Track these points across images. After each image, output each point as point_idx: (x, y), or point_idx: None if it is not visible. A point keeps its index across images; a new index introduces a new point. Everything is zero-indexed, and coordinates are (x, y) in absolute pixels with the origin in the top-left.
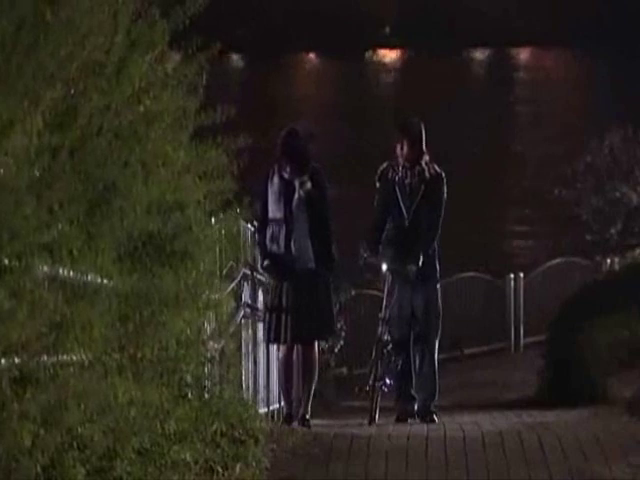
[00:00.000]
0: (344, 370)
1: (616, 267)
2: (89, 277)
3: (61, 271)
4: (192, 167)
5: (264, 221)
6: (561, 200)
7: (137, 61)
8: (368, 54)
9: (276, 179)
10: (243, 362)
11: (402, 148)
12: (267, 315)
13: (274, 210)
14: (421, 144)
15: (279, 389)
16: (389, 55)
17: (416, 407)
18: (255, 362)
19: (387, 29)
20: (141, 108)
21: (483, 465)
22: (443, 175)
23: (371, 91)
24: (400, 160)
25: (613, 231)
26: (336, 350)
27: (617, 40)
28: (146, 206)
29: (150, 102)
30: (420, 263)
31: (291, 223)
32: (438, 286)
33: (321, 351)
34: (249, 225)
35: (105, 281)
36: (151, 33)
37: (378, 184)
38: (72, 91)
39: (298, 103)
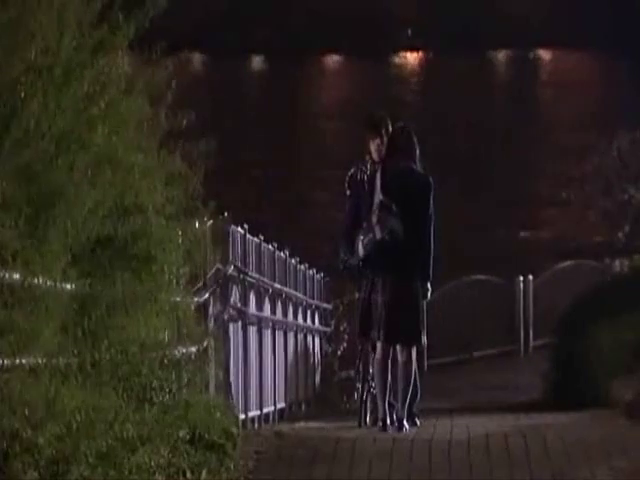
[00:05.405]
0: (352, 372)
1: (625, 269)
2: (37, 280)
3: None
4: (154, 171)
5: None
6: (571, 202)
7: (88, 64)
8: (390, 56)
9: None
10: (231, 364)
11: (381, 143)
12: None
13: None
14: None
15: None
16: (411, 57)
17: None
18: (245, 365)
19: (409, 31)
20: (94, 111)
21: (467, 467)
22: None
23: (393, 92)
24: (375, 156)
25: (621, 234)
26: (339, 353)
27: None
28: (99, 209)
29: (104, 105)
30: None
31: None
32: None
33: (325, 354)
34: (239, 228)
35: (57, 284)
36: (110, 36)
37: (348, 192)
38: (22, 93)
39: (320, 104)
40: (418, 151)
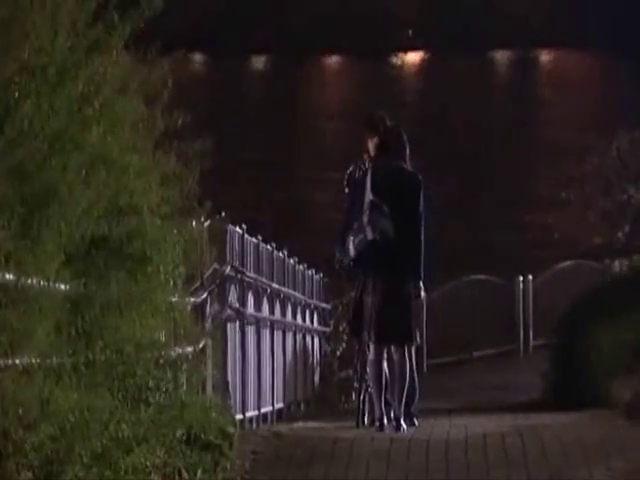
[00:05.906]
0: (351, 372)
1: (625, 269)
2: (30, 281)
3: None
4: (150, 171)
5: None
6: (571, 202)
7: (83, 64)
8: (390, 56)
9: None
10: (229, 365)
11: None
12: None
13: None
14: None
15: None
16: (411, 57)
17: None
18: (243, 365)
19: (409, 31)
20: (89, 111)
21: (464, 467)
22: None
23: (393, 92)
24: (373, 155)
25: (621, 234)
26: (338, 353)
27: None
28: (94, 209)
29: (99, 105)
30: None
31: None
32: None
33: (324, 354)
34: (237, 228)
35: (51, 285)
36: (105, 36)
37: (347, 189)
38: (16, 93)
39: (320, 104)
40: (408, 150)
